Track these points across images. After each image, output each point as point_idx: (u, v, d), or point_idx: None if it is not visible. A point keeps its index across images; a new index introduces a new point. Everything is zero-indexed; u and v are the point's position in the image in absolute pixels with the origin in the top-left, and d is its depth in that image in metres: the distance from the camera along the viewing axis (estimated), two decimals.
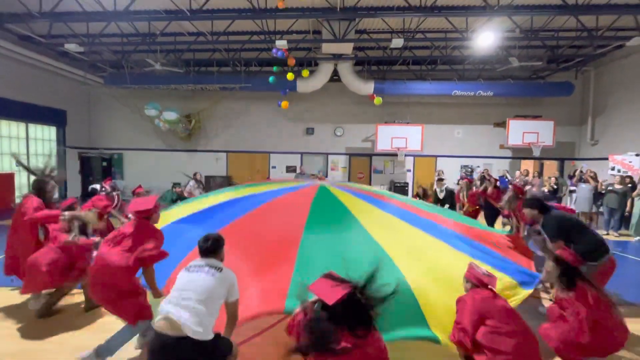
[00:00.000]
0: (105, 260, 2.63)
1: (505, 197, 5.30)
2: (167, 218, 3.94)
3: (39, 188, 3.83)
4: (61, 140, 11.96)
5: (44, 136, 11.46)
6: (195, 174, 8.08)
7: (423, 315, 2.59)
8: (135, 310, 2.62)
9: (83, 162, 12.77)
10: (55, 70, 10.83)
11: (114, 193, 5.75)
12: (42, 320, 3.36)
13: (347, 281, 1.91)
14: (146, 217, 2.87)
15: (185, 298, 2.05)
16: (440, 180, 8.00)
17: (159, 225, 3.72)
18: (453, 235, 3.65)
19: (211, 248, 2.33)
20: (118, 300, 2.61)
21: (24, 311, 3.51)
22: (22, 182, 10.65)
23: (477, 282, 2.46)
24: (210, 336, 2.02)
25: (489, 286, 2.46)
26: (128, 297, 2.62)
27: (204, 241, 2.35)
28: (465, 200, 7.03)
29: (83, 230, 3.64)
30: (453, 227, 4.02)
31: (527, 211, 3.64)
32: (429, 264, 2.99)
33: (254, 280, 2.68)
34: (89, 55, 10.43)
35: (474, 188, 6.98)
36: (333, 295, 1.80)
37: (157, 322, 2.01)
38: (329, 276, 1.99)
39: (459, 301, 2.45)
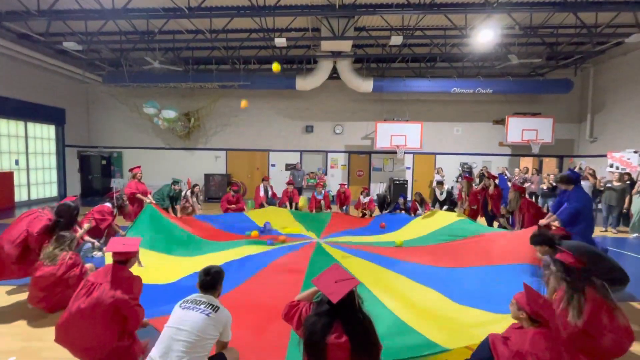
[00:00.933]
0: (76, 322, 2.39)
1: (510, 196, 5.35)
2: (170, 273, 4.23)
3: (62, 213, 3.84)
4: (60, 139, 11.95)
5: (42, 135, 11.46)
6: (194, 187, 8.09)
7: (421, 334, 2.74)
8: (116, 357, 2.45)
9: (82, 160, 12.76)
10: (54, 68, 10.81)
11: (115, 206, 5.86)
12: (41, 317, 3.38)
13: (351, 276, 2.02)
14: (122, 262, 2.60)
15: (175, 341, 1.98)
16: (441, 183, 8.09)
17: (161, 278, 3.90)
18: (438, 276, 4.13)
19: (212, 282, 2.25)
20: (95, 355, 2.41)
21: (26, 309, 3.53)
22: (22, 181, 10.66)
23: (533, 315, 2.09)
24: None
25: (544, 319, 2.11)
26: (109, 354, 2.41)
27: (204, 274, 2.26)
28: (466, 198, 7.05)
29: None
30: (443, 262, 4.53)
31: (538, 249, 3.42)
32: (415, 308, 3.33)
33: (253, 338, 2.72)
34: (87, 53, 10.39)
35: (474, 186, 7.01)
36: (337, 292, 1.90)
37: None
38: (334, 270, 2.09)
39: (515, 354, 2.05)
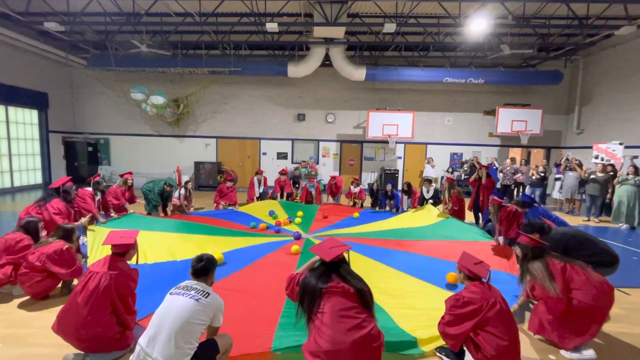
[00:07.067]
0: (73, 310, 2.41)
1: (490, 210, 5.43)
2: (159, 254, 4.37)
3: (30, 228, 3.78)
4: (44, 124, 11.57)
5: (25, 120, 11.07)
6: (186, 184, 7.81)
7: (396, 324, 2.91)
8: (112, 342, 2.49)
9: (67, 146, 12.42)
10: (35, 50, 10.37)
11: (98, 191, 5.82)
12: (27, 304, 3.35)
13: (343, 244, 2.33)
14: (121, 254, 2.63)
15: (162, 326, 1.96)
16: (429, 181, 8.16)
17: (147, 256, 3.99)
18: (418, 263, 4.51)
19: (204, 269, 2.24)
20: (90, 340, 2.44)
21: (9, 296, 3.48)
22: (4, 168, 10.34)
23: (469, 274, 2.45)
24: None
25: (481, 277, 2.42)
26: (102, 338, 2.44)
27: (197, 261, 2.26)
28: (448, 199, 7.14)
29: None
30: (424, 252, 4.93)
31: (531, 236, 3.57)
32: (395, 292, 3.56)
33: (242, 323, 2.78)
34: (70, 35, 9.98)
35: (456, 188, 7.09)
36: (331, 253, 2.19)
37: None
38: (329, 240, 2.41)
39: (455, 296, 2.42)
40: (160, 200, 7.19)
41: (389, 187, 8.30)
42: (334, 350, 1.89)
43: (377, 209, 8.60)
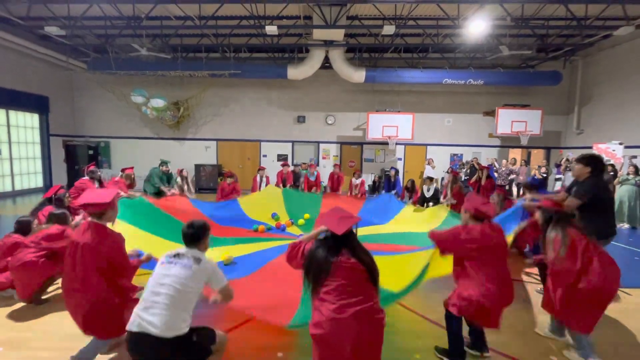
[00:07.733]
0: (67, 282, 2.39)
1: (494, 199, 5.39)
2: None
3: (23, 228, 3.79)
4: (44, 128, 11.61)
5: (26, 124, 11.10)
6: (181, 172, 7.78)
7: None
8: (106, 327, 2.41)
9: (68, 150, 12.45)
10: (36, 54, 10.41)
11: (95, 180, 5.85)
12: (28, 308, 3.35)
13: (352, 215, 2.18)
14: (98, 215, 2.42)
15: (157, 294, 1.96)
16: (430, 179, 8.14)
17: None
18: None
19: (195, 236, 2.20)
20: (88, 313, 2.36)
21: (10, 300, 3.48)
22: (5, 171, 10.36)
23: (475, 213, 2.46)
24: (184, 331, 1.95)
25: (488, 216, 2.47)
26: (101, 310, 2.37)
27: (187, 227, 2.21)
28: (450, 192, 7.11)
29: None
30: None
31: (579, 167, 3.39)
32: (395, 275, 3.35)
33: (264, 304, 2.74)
34: (70, 39, 10.02)
35: (459, 184, 7.06)
36: (341, 226, 2.07)
37: (130, 328, 1.96)
38: (337, 209, 2.25)
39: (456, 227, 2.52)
40: (162, 183, 7.27)
41: (392, 172, 8.23)
42: (336, 318, 1.89)
43: (376, 194, 8.58)
